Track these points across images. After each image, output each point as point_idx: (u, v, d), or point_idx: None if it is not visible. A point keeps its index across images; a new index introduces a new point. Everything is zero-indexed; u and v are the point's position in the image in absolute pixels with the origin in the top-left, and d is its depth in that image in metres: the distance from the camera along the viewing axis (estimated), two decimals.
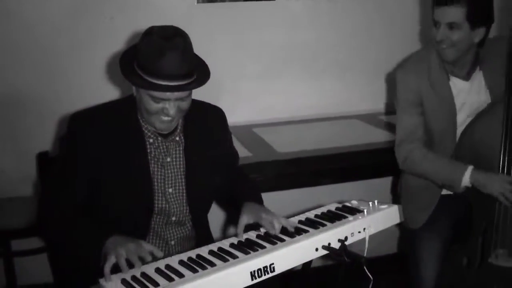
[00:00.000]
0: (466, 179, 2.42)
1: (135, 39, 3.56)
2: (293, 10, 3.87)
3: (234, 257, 1.72)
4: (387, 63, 3.96)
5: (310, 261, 1.92)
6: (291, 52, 3.86)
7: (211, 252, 1.78)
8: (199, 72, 2.00)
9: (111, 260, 1.71)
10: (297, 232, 1.92)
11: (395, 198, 2.20)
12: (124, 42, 3.61)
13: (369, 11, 4.03)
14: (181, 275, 1.63)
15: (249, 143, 3.21)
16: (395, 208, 2.14)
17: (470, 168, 2.42)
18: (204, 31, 3.53)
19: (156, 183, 2.08)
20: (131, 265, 1.70)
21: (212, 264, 1.68)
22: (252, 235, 1.94)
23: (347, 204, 2.21)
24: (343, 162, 3.15)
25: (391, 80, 3.82)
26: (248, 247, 1.80)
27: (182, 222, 2.16)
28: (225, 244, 1.85)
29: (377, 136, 3.46)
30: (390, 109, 3.87)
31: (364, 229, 2.00)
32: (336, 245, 1.89)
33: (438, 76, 2.58)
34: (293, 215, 2.12)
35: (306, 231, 1.92)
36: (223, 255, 1.74)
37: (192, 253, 1.78)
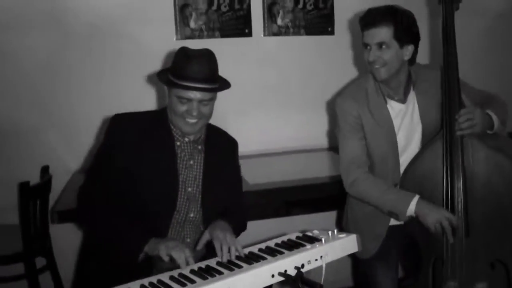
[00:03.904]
0: (411, 209, 2.46)
1: (116, 73, 3.73)
2: (268, 46, 4.02)
3: (192, 282, 1.81)
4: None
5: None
6: (265, 87, 4.01)
7: (171, 278, 1.87)
8: (221, 82, 2.35)
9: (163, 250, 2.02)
10: (255, 259, 2.01)
11: (340, 230, 2.28)
12: (105, 75, 3.74)
13: (341, 46, 4.19)
14: None
15: None
16: (353, 237, 2.21)
17: (416, 197, 2.47)
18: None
19: (180, 182, 2.34)
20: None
21: None
22: (212, 262, 2.03)
23: (308, 233, 2.27)
24: (311, 193, 3.23)
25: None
26: (206, 272, 1.90)
27: (197, 222, 2.38)
28: (185, 270, 1.94)
29: None
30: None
31: (321, 257, 2.07)
32: (292, 272, 1.96)
33: (376, 100, 2.63)
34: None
35: (264, 258, 2.01)
36: (182, 280, 1.83)
37: (153, 278, 1.87)
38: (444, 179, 2.47)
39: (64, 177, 3.70)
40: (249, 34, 3.98)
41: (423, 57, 2.65)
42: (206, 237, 2.26)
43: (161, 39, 3.83)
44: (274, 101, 4.10)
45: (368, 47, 2.55)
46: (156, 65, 3.82)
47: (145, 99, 3.79)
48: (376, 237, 2.73)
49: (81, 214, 2.36)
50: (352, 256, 2.43)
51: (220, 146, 2.52)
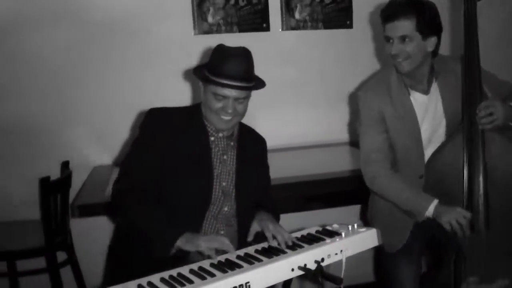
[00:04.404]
0: (430, 212, 2.44)
1: (134, 68, 3.74)
2: (287, 41, 4.01)
3: (212, 275, 1.81)
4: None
5: (290, 281, 2.01)
6: (284, 82, 3.98)
7: (191, 271, 1.87)
8: (257, 82, 2.35)
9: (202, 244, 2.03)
10: (275, 253, 2.01)
11: (366, 224, 2.26)
12: (121, 70, 3.77)
13: (360, 40, 4.16)
14: None
15: None
16: (373, 232, 2.20)
17: (435, 202, 2.44)
18: (201, 62, 3.63)
19: (214, 176, 2.36)
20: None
21: (190, 282, 1.77)
22: (232, 255, 2.03)
23: (328, 227, 2.26)
24: (331, 187, 3.21)
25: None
26: (226, 266, 1.90)
27: (230, 216, 2.39)
28: (205, 263, 1.94)
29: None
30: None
31: (341, 251, 2.06)
32: (312, 266, 1.96)
33: (398, 92, 2.60)
34: None
35: (284, 252, 2.01)
36: (202, 274, 1.83)
37: (173, 271, 1.87)
38: (464, 173, 2.45)
39: (84, 172, 3.74)
40: (267, 29, 3.98)
41: (444, 48, 2.61)
42: (255, 228, 2.29)
43: (179, 34, 3.85)
44: (293, 96, 4.09)
45: (390, 40, 2.50)
46: (174, 60, 3.86)
47: (168, 94, 3.79)
48: (401, 231, 2.70)
49: (114, 207, 2.36)
50: (375, 250, 2.43)
51: (250, 144, 2.53)
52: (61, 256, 3.60)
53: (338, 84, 4.16)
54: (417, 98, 2.61)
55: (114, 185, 2.35)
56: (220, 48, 2.31)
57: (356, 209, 3.92)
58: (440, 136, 2.64)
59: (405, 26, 2.44)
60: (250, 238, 2.30)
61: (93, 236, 3.78)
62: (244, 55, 2.29)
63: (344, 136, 4.21)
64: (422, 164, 2.61)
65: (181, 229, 2.12)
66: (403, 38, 2.46)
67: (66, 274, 3.62)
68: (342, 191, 3.25)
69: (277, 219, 2.46)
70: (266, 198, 2.53)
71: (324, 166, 3.53)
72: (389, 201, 2.64)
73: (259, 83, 2.36)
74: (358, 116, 2.73)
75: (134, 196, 2.24)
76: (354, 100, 2.76)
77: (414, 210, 2.51)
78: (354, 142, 4.03)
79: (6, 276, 3.53)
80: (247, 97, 2.33)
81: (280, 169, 3.31)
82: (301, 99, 4.12)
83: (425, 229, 2.65)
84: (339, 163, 3.62)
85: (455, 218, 2.39)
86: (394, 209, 2.66)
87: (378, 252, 2.75)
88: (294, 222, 3.19)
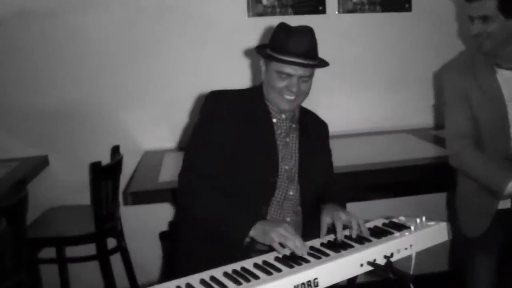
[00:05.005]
0: (510, 188, 2.36)
1: (187, 51, 3.68)
2: (343, 23, 3.89)
3: (278, 270, 1.72)
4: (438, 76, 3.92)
5: (355, 277, 1.91)
6: (342, 66, 3.86)
7: (255, 265, 1.78)
8: (320, 60, 2.25)
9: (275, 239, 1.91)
10: (343, 247, 1.90)
11: (451, 211, 2.15)
12: (175, 53, 3.70)
13: (419, 23, 4.03)
14: (224, 287, 1.65)
15: None
16: (443, 225, 2.10)
17: None
18: (254, 44, 3.52)
19: (279, 159, 2.27)
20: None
21: (256, 277, 1.68)
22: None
23: (394, 220, 2.17)
24: (393, 177, 3.13)
25: (437, 81, 3.89)
26: (292, 261, 1.80)
27: (295, 201, 2.30)
28: (269, 257, 1.85)
29: (428, 151, 3.44)
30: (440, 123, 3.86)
31: (411, 245, 1.97)
32: (381, 261, 1.87)
33: (483, 70, 2.53)
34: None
35: (352, 246, 1.91)
36: (267, 268, 1.74)
37: (237, 265, 1.78)
38: None
39: (134, 157, 3.69)
40: (323, 11, 3.85)
41: None
42: (326, 221, 2.13)
43: (233, 16, 3.77)
44: (349, 81, 3.98)
45: (472, 20, 2.44)
46: (228, 43, 3.78)
47: (223, 77, 3.70)
48: (484, 215, 2.60)
49: (183, 195, 2.29)
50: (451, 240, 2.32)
51: (312, 127, 2.43)
52: (110, 243, 3.56)
53: (396, 68, 4.05)
54: (503, 74, 2.52)
55: (180, 173, 2.29)
56: (284, 26, 2.23)
57: (411, 200, 3.79)
58: None
59: (486, 6, 2.36)
60: (323, 233, 2.12)
61: (142, 223, 3.75)
62: (308, 31, 2.20)
63: (402, 123, 4.07)
64: (508, 145, 2.53)
65: (254, 217, 2.05)
66: (484, 18, 2.38)
67: (115, 261, 3.56)
68: (406, 180, 3.18)
69: (342, 204, 2.36)
70: (330, 185, 2.43)
71: (384, 154, 3.42)
72: (471, 177, 2.56)
73: (323, 62, 2.27)
74: (442, 96, 2.69)
75: (201, 185, 2.19)
76: (439, 79, 2.68)
77: (494, 184, 2.43)
78: (411, 130, 3.95)
79: (55, 262, 3.51)
80: (311, 76, 2.24)
81: (340, 157, 3.24)
82: (358, 84, 4.01)
83: (508, 219, 2.57)
84: (400, 151, 3.49)
85: None
86: (478, 193, 2.58)
87: (455, 239, 2.65)
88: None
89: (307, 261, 1.79)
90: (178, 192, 2.30)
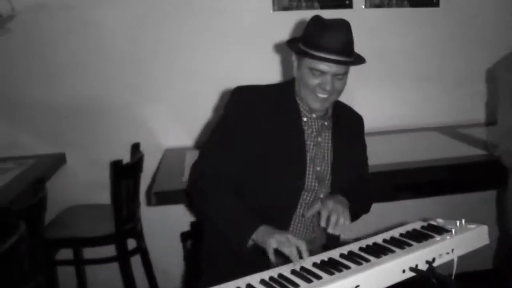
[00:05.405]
0: None
1: (211, 45, 3.59)
2: (370, 18, 3.82)
3: (318, 277, 1.62)
4: (467, 73, 3.84)
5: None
6: (368, 61, 3.76)
7: (293, 272, 1.69)
8: (356, 57, 2.13)
9: (272, 245, 1.83)
10: (383, 251, 1.80)
11: (500, 209, 2.07)
12: (198, 48, 3.66)
13: (447, 19, 3.96)
14: None
15: None
16: (484, 228, 1.99)
17: None
18: (279, 39, 3.48)
19: (308, 160, 2.16)
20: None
21: (296, 285, 1.59)
22: (335, 253, 1.82)
23: (432, 222, 2.06)
24: (421, 177, 3.04)
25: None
26: (332, 267, 1.70)
27: None
28: (307, 263, 1.75)
29: (457, 150, 3.34)
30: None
31: (453, 250, 1.86)
32: (423, 266, 1.77)
33: None
34: (375, 232, 2.02)
35: (392, 251, 1.80)
36: (306, 275, 1.65)
37: (273, 272, 1.69)
38: None
39: (154, 155, 3.62)
40: (350, 6, 3.76)
41: None
42: (317, 206, 2.05)
43: (258, 10, 3.69)
44: (377, 77, 3.89)
45: None
46: (252, 38, 3.71)
47: (249, 72, 3.53)
48: None
49: (190, 193, 2.22)
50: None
51: (347, 123, 2.32)
52: (130, 244, 3.46)
53: (425, 64, 3.97)
54: None
55: (191, 169, 2.22)
56: (318, 19, 2.09)
57: (438, 200, 3.70)
58: None
59: None
60: (308, 215, 2.10)
61: (162, 224, 3.68)
62: (344, 26, 2.06)
63: (430, 121, 3.98)
64: None
65: (258, 221, 1.95)
66: None
67: (134, 263, 3.47)
68: (435, 180, 3.09)
69: (363, 208, 2.30)
70: (365, 181, 2.35)
71: (412, 153, 3.34)
72: None
73: (359, 58, 2.15)
74: (496, 92, 2.67)
75: (212, 182, 2.09)
76: (492, 74, 2.64)
77: None
78: (439, 128, 3.87)
79: (72, 264, 3.44)
80: (346, 73, 2.12)
81: (375, 154, 3.18)
82: (384, 80, 3.93)
83: None
84: (428, 150, 3.40)
85: None
86: None
87: (501, 237, 2.64)
88: (379, 212, 3.04)
89: (347, 267, 1.69)
90: (188, 183, 2.24)
